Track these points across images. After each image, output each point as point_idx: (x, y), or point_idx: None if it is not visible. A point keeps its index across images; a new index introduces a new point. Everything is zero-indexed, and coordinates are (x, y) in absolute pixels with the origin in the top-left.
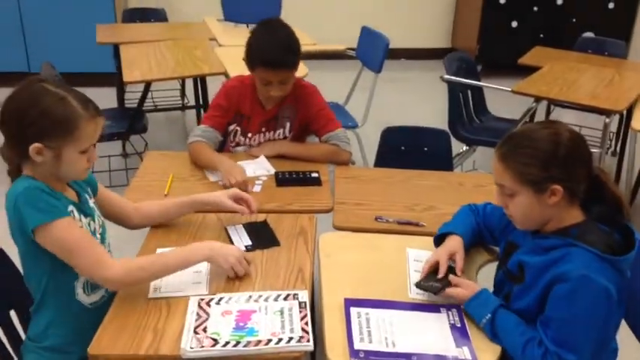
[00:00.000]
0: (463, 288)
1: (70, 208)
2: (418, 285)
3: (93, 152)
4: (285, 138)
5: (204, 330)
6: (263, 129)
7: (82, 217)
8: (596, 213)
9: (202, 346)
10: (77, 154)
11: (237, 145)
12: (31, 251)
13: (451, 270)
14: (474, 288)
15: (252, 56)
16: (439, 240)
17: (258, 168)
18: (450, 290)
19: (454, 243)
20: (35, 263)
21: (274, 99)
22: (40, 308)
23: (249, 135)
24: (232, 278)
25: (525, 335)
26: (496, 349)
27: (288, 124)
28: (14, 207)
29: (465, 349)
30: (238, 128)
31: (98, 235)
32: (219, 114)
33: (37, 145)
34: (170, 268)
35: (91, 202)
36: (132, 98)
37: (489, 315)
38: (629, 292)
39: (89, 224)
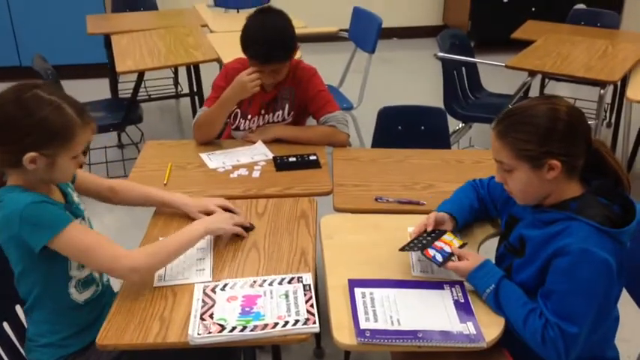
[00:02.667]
0: (467, 259)
1: None
2: (406, 249)
3: (82, 156)
4: (284, 120)
5: (211, 316)
6: (262, 111)
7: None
8: (596, 186)
9: (210, 332)
10: (70, 159)
11: (237, 128)
12: (26, 263)
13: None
14: (477, 259)
15: (244, 47)
16: None
17: (256, 154)
18: (451, 264)
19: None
20: (30, 272)
21: (270, 84)
22: (32, 310)
23: (249, 117)
24: (237, 239)
25: (527, 307)
26: (499, 324)
27: (287, 106)
28: (17, 225)
29: (470, 324)
30: (238, 110)
31: None
32: (220, 95)
33: (32, 154)
34: (179, 250)
35: (76, 197)
36: (125, 89)
37: (493, 285)
38: (632, 263)
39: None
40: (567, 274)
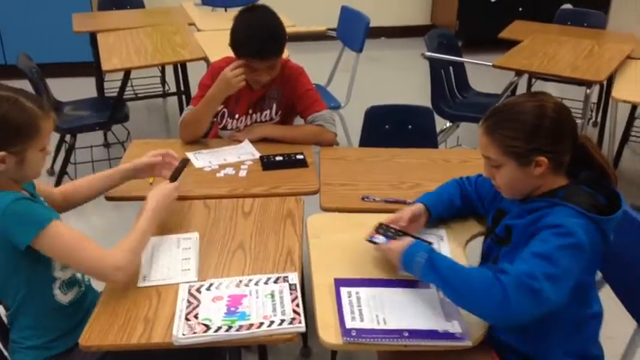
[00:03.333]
0: (398, 241)
1: None
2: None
3: (49, 146)
4: (271, 119)
5: (196, 316)
6: (250, 110)
7: None
8: (582, 177)
9: (194, 333)
10: (38, 152)
11: (225, 127)
12: (11, 264)
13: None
14: (409, 240)
15: (236, 47)
16: None
17: (243, 153)
18: (384, 245)
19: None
20: (13, 275)
21: (263, 82)
22: (18, 314)
23: (237, 116)
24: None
25: (480, 270)
26: (485, 323)
27: (274, 105)
28: (1, 221)
29: (455, 322)
30: (225, 109)
31: None
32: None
33: (1, 153)
34: (149, 235)
35: (43, 200)
36: (111, 87)
37: (425, 254)
38: (615, 259)
39: None
40: (539, 241)
